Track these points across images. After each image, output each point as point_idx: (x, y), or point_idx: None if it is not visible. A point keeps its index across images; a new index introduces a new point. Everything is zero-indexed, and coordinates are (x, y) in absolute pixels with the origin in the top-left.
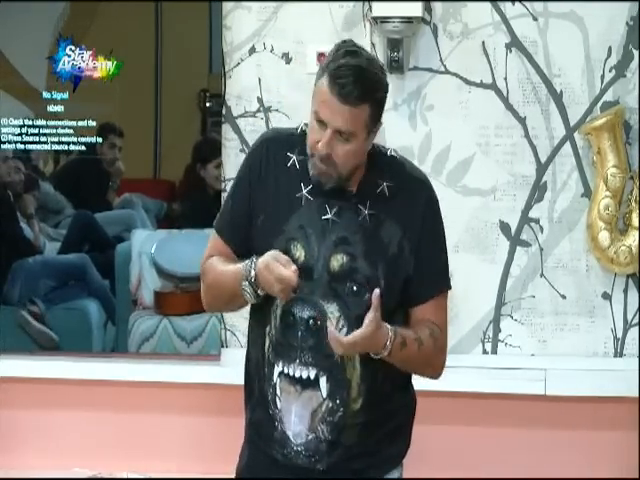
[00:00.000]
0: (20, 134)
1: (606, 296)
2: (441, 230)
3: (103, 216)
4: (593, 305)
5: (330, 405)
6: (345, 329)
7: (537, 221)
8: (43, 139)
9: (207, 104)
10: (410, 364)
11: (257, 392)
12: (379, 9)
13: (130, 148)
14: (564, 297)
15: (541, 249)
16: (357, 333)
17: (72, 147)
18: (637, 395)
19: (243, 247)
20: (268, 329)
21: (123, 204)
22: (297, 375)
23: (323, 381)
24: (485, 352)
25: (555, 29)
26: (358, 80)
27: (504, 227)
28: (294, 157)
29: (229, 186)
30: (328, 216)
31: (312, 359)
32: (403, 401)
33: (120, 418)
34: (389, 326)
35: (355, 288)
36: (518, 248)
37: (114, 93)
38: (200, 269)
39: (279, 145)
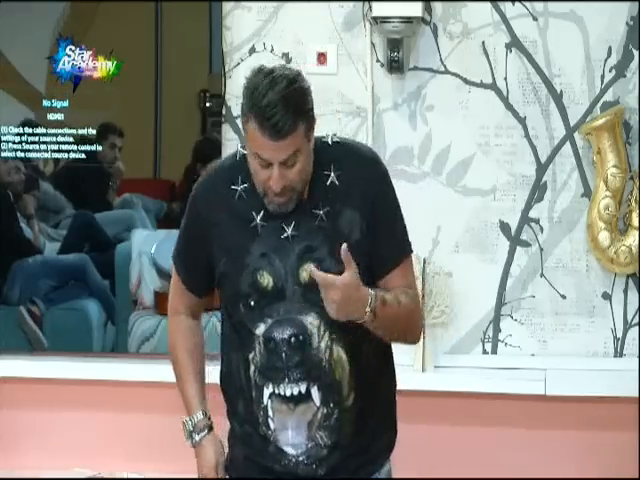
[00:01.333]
0: (20, 142)
1: (606, 296)
2: (393, 200)
3: (103, 216)
4: (593, 305)
5: (325, 411)
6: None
7: (537, 221)
8: (43, 147)
9: (207, 104)
10: (393, 327)
11: (243, 412)
12: (379, 9)
13: (130, 148)
14: (564, 297)
15: (541, 249)
16: (341, 277)
17: (72, 155)
18: (637, 395)
19: (201, 289)
20: (252, 356)
21: (123, 204)
22: (288, 394)
23: (315, 391)
24: (485, 352)
25: (555, 29)
26: (286, 112)
27: (504, 227)
28: (238, 188)
29: None
30: (287, 233)
31: (300, 374)
32: (388, 383)
33: (120, 418)
34: (368, 288)
35: None
36: (518, 248)
37: (114, 93)
38: (168, 305)
39: (221, 184)
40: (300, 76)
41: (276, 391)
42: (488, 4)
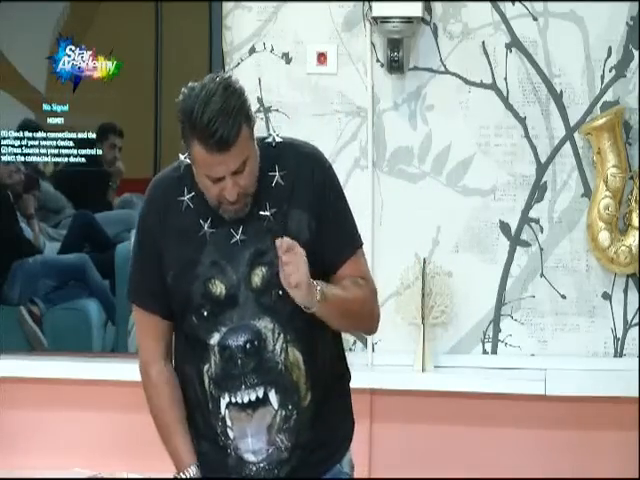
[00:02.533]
0: (20, 146)
1: (606, 296)
2: (340, 195)
3: (103, 216)
4: (593, 305)
5: (284, 414)
6: (282, 336)
7: (537, 221)
8: (43, 151)
9: None
10: (345, 313)
11: (201, 426)
12: (379, 9)
13: (130, 148)
14: (564, 297)
15: (541, 249)
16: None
17: (72, 159)
18: (637, 395)
19: (167, 307)
20: (207, 368)
21: (123, 204)
22: (246, 400)
23: (272, 395)
24: (485, 352)
25: (555, 29)
26: (228, 119)
27: (504, 227)
28: (185, 199)
29: None
30: (236, 238)
31: (257, 379)
32: (342, 375)
33: (120, 418)
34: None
35: (281, 292)
36: (518, 248)
37: (114, 93)
38: (139, 365)
39: (167, 197)
40: (231, 79)
41: (233, 400)
42: (488, 4)
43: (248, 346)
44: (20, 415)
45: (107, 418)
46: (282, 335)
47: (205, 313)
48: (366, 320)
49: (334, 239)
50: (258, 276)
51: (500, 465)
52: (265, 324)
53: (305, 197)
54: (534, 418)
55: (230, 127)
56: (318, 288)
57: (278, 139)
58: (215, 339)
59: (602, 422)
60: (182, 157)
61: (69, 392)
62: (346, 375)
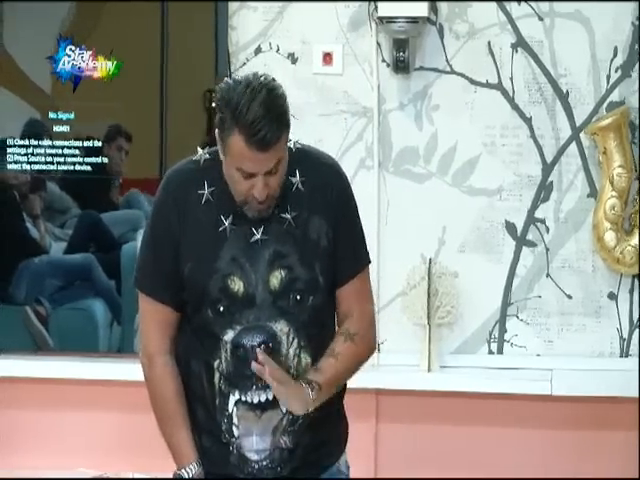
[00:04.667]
0: (26, 154)
1: (612, 296)
2: (354, 212)
3: (109, 216)
4: (599, 305)
5: (290, 417)
6: (295, 341)
7: (543, 221)
8: (49, 159)
9: (213, 104)
10: (343, 378)
11: (203, 420)
12: (385, 9)
13: (136, 148)
14: (570, 297)
15: (547, 249)
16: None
17: (78, 167)
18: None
19: (180, 301)
20: (217, 363)
21: (129, 200)
22: (255, 401)
23: None
24: (491, 352)
25: (561, 29)
26: (272, 123)
27: (510, 227)
28: (205, 192)
29: None
30: (256, 237)
31: None
32: None
33: (126, 418)
34: (303, 382)
35: (298, 297)
36: (524, 248)
37: (120, 94)
38: (145, 349)
39: (186, 188)
40: (276, 82)
41: (242, 398)
42: (494, 4)
43: (263, 347)
44: (25, 415)
45: (113, 418)
46: (296, 340)
47: (221, 308)
48: (363, 360)
49: (343, 254)
50: (277, 278)
51: (506, 465)
52: (281, 327)
53: (323, 206)
54: (540, 418)
55: (274, 130)
56: (311, 393)
57: (298, 145)
58: (229, 336)
59: (608, 422)
60: (201, 151)
61: (75, 392)
62: None
